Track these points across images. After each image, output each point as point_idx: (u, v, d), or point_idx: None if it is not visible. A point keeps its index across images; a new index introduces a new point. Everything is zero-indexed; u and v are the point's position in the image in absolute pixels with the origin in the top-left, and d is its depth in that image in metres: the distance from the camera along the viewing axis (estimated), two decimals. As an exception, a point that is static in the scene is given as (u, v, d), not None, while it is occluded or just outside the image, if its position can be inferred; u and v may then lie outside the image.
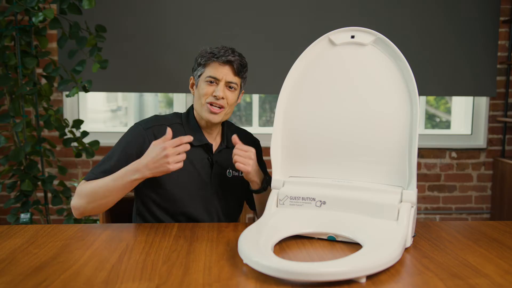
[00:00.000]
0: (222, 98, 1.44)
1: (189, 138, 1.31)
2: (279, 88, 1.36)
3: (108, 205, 1.38)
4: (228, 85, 1.46)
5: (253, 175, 1.42)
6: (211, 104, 1.45)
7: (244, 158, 1.38)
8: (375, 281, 0.96)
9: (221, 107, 1.45)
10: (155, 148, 1.30)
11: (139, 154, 1.41)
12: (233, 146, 1.56)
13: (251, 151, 1.41)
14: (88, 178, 1.40)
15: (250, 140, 1.63)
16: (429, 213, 3.31)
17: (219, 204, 1.52)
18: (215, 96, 1.44)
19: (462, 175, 3.32)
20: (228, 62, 1.44)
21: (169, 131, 1.31)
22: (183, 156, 1.31)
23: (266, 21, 3.07)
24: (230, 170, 1.54)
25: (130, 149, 1.43)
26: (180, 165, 1.31)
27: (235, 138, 1.42)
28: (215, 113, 1.45)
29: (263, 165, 1.59)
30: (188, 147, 1.31)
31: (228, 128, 1.58)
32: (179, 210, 1.47)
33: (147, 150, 1.32)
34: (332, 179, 1.30)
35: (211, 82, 1.45)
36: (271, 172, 1.38)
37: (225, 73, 1.44)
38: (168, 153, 1.27)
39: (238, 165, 1.38)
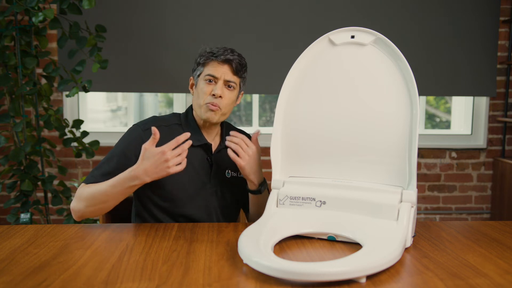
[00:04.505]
0: (220, 97, 1.44)
1: (186, 135, 1.28)
2: (279, 88, 1.35)
3: (107, 209, 1.39)
4: (227, 84, 1.45)
5: (249, 172, 1.41)
6: (209, 104, 1.45)
7: (240, 149, 1.38)
8: (375, 281, 0.96)
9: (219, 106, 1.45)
10: (152, 153, 1.27)
11: (138, 156, 1.41)
12: None
13: (251, 148, 1.40)
14: (88, 181, 1.40)
15: None
16: (429, 213, 3.31)
17: (218, 204, 1.52)
18: (213, 95, 1.43)
19: (462, 175, 3.32)
20: (227, 61, 1.44)
21: (155, 131, 1.27)
22: (183, 157, 1.29)
23: (266, 21, 3.07)
24: (229, 171, 1.54)
25: (129, 150, 1.43)
26: (181, 167, 1.29)
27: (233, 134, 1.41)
28: (212, 111, 1.44)
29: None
30: (187, 145, 1.29)
31: (227, 129, 1.58)
32: (178, 210, 1.47)
33: (142, 154, 1.29)
34: (332, 179, 1.30)
35: (209, 80, 1.45)
36: (270, 173, 1.38)
37: (223, 71, 1.44)
38: (167, 157, 1.26)
39: (230, 153, 1.37)
